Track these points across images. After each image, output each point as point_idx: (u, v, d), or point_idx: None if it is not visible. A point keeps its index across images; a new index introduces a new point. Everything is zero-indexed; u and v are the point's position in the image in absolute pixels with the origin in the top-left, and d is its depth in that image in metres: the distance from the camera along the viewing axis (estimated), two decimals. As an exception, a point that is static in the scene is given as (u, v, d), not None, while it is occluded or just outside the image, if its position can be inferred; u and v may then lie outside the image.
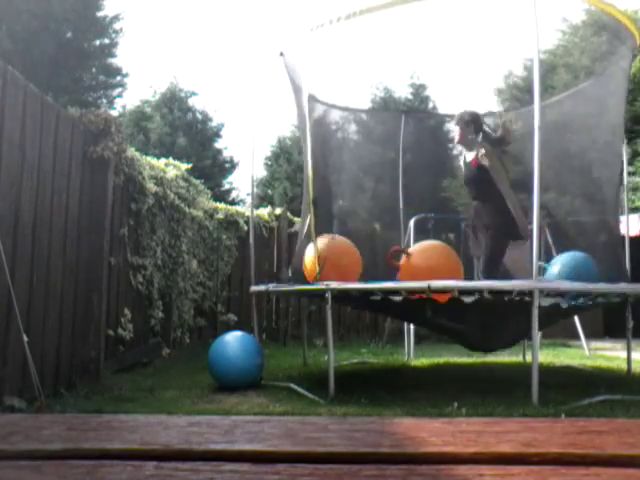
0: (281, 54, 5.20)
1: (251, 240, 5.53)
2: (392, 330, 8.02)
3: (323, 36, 4.64)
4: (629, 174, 6.21)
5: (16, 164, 3.28)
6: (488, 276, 4.46)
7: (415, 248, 4.95)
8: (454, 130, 4.85)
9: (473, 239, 4.82)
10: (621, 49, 4.95)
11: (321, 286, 4.10)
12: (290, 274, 5.01)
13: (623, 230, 5.52)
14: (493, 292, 3.92)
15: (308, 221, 4.74)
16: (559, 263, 5.01)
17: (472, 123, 4.69)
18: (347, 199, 6.62)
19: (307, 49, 4.83)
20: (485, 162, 4.47)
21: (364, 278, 4.94)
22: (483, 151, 4.51)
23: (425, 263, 4.57)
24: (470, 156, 4.69)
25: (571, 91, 6.33)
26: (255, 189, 6.28)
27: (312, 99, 5.42)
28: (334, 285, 4.07)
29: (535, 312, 3.69)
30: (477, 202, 4.71)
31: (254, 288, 5.20)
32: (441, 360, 6.22)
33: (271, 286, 5.22)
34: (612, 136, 5.15)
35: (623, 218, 5.63)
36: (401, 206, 6.87)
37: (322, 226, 5.24)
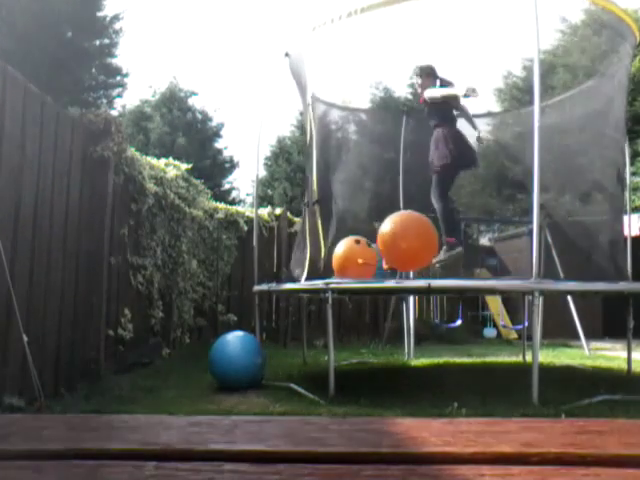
0: (286, 55, 5.18)
1: (255, 241, 5.54)
2: (392, 330, 8.02)
3: (325, 36, 4.64)
4: (630, 174, 6.20)
5: (16, 164, 3.28)
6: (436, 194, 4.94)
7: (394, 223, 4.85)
8: (416, 82, 5.47)
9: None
10: (623, 47, 4.95)
11: (321, 285, 4.10)
12: (295, 273, 5.02)
13: (625, 230, 5.51)
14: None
15: (308, 223, 4.75)
16: None
17: (431, 75, 5.23)
18: (347, 199, 6.62)
19: (311, 49, 4.83)
20: (427, 95, 5.10)
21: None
22: (427, 90, 5.13)
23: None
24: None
25: (574, 91, 6.32)
26: (254, 189, 6.31)
27: (317, 100, 5.43)
28: (334, 284, 4.08)
29: (535, 311, 3.69)
30: (435, 131, 5.15)
31: (257, 288, 5.20)
32: (441, 360, 6.23)
33: (273, 285, 5.22)
34: (615, 134, 5.15)
35: (625, 218, 5.62)
36: (401, 205, 6.87)
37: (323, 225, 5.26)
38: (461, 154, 4.99)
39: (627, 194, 5.97)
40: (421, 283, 4.21)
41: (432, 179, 5.04)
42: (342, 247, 5.05)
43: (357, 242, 5.05)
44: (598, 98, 5.46)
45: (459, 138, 5.06)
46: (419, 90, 5.35)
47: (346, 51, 5.12)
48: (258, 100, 5.95)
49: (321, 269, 4.64)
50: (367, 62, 5.85)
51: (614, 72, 5.18)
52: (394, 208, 6.91)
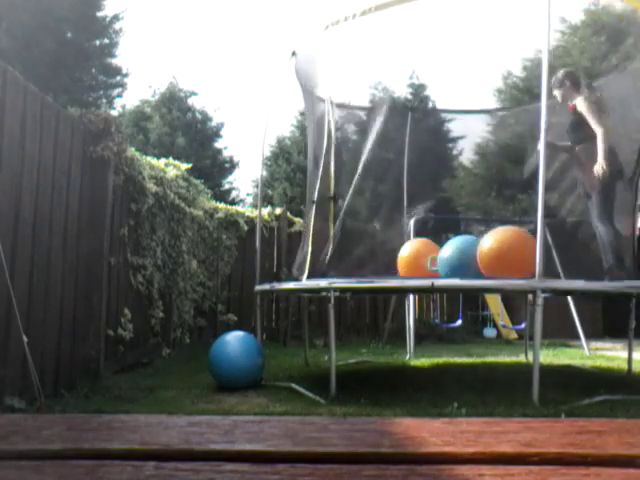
0: (293, 54, 5.15)
1: (257, 243, 5.54)
2: (392, 330, 8.02)
3: (332, 36, 4.62)
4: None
5: (16, 164, 3.28)
6: (604, 216, 4.62)
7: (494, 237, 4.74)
8: (556, 94, 4.98)
9: (580, 180, 4.91)
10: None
11: (324, 284, 4.10)
12: (296, 272, 5.01)
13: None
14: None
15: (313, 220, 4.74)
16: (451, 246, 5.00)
17: (566, 79, 4.91)
18: (348, 198, 6.62)
19: (323, 48, 4.79)
20: (580, 107, 4.69)
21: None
22: (579, 98, 4.75)
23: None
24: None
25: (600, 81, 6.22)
26: (255, 189, 6.33)
27: (319, 99, 5.41)
28: (337, 283, 4.07)
29: (538, 311, 3.69)
30: (578, 146, 4.84)
31: (258, 287, 5.20)
32: (441, 360, 6.23)
33: (275, 285, 5.22)
34: (632, 132, 5.12)
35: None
36: (405, 205, 6.89)
37: (322, 225, 5.25)
38: (619, 170, 4.72)
39: (634, 193, 5.95)
40: (424, 282, 4.21)
41: (593, 200, 4.70)
42: (408, 249, 5.01)
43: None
44: (613, 95, 5.40)
45: (613, 152, 4.70)
46: (559, 96, 4.95)
47: (350, 51, 5.08)
48: (261, 100, 5.97)
49: (325, 268, 4.63)
50: (370, 62, 5.81)
51: (634, 69, 5.13)
52: (394, 207, 6.93)
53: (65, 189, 3.86)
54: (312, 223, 4.86)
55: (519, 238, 4.60)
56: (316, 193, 4.70)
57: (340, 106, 6.57)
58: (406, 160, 6.94)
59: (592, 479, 0.66)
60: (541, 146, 3.79)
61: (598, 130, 4.53)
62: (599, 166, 4.50)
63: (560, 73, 4.96)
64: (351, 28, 4.51)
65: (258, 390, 4.17)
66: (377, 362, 6.10)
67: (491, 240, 4.53)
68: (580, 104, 4.70)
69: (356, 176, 5.42)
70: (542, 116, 3.82)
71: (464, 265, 4.60)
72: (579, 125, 4.75)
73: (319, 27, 4.68)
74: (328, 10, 4.57)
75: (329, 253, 4.84)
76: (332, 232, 4.54)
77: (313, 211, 4.82)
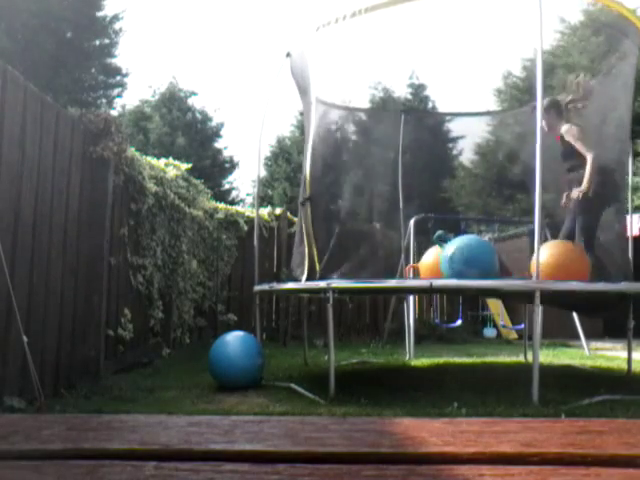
0: (288, 55, 5.17)
1: (255, 242, 5.53)
2: (392, 330, 8.02)
3: (327, 36, 4.63)
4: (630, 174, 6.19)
5: (16, 164, 3.28)
6: (584, 241, 4.70)
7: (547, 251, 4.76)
8: (542, 123, 4.95)
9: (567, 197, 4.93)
10: (625, 45, 4.93)
11: (322, 285, 4.10)
12: (296, 271, 5.00)
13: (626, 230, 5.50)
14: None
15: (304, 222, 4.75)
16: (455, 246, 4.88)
17: (551, 108, 4.94)
18: (347, 199, 6.62)
19: (315, 49, 4.81)
20: (567, 136, 4.77)
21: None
22: (564, 128, 4.83)
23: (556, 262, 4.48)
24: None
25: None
26: (255, 189, 6.37)
27: (318, 100, 5.41)
28: (335, 284, 4.07)
29: (537, 311, 3.69)
30: (571, 174, 4.89)
31: (257, 287, 5.19)
32: (441, 360, 6.23)
33: (274, 285, 5.21)
34: (620, 135, 5.14)
35: (626, 218, 5.61)
36: (401, 206, 6.88)
37: (320, 225, 5.24)
38: (610, 197, 4.81)
39: (630, 193, 5.97)
40: (423, 283, 4.20)
41: (579, 221, 4.77)
42: (433, 255, 5.01)
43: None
44: (601, 98, 5.42)
45: (608, 182, 4.75)
46: (545, 125, 4.85)
47: (350, 51, 5.09)
48: (260, 100, 5.97)
49: (317, 269, 4.63)
50: (370, 62, 5.81)
51: (618, 72, 5.16)
52: (394, 208, 6.93)
53: (65, 189, 3.85)
54: (306, 223, 4.86)
55: (573, 250, 4.69)
56: (307, 193, 4.69)
57: (336, 106, 6.56)
58: (400, 161, 6.93)
59: (592, 479, 0.66)
60: (537, 146, 3.79)
61: (588, 155, 4.63)
62: (577, 191, 4.60)
63: (545, 102, 4.88)
64: (349, 29, 4.51)
65: (258, 390, 4.17)
66: (377, 362, 6.10)
67: (549, 252, 4.57)
68: (566, 133, 4.79)
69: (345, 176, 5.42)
70: (538, 116, 3.82)
71: (467, 264, 4.59)
72: (569, 154, 4.84)
73: (311, 28, 4.69)
74: (323, 11, 4.58)
75: (318, 256, 4.83)
76: (310, 234, 4.52)
77: (308, 211, 4.81)
